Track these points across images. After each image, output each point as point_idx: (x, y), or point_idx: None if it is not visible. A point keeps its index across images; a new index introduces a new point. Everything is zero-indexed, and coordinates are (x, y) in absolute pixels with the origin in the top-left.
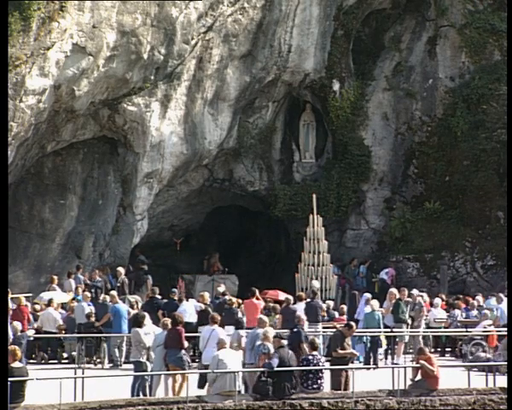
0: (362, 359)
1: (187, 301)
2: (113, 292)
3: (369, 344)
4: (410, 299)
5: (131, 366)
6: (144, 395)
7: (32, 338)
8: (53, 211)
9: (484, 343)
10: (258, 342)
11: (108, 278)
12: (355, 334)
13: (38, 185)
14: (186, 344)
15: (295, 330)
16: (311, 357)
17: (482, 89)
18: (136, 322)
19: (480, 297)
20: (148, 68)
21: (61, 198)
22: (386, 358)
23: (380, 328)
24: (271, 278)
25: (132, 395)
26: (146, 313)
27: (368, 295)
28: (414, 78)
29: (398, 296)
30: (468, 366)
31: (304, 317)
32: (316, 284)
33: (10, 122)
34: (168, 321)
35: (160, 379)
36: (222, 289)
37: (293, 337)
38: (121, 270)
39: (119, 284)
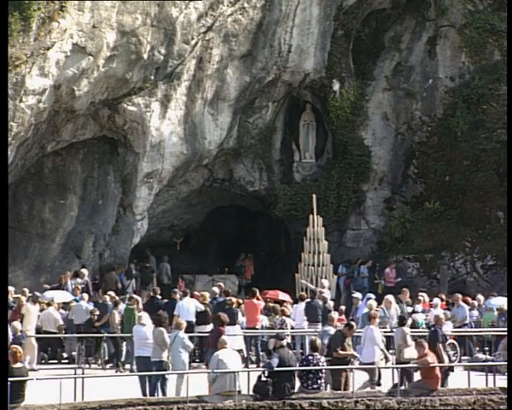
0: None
1: (191, 297)
2: (112, 292)
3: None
4: (409, 300)
5: (132, 366)
6: (164, 394)
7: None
8: (53, 211)
9: (455, 343)
10: None
11: (120, 277)
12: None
13: (38, 185)
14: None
15: (432, 329)
16: (310, 357)
17: (482, 89)
18: (159, 322)
19: (480, 297)
20: (148, 68)
21: (61, 198)
22: None
23: None
24: (271, 278)
25: (151, 395)
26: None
27: (371, 295)
28: (414, 78)
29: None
30: (468, 366)
31: (442, 316)
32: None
33: (10, 122)
34: (182, 321)
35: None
36: (217, 289)
37: (430, 337)
38: (84, 271)
39: (83, 286)
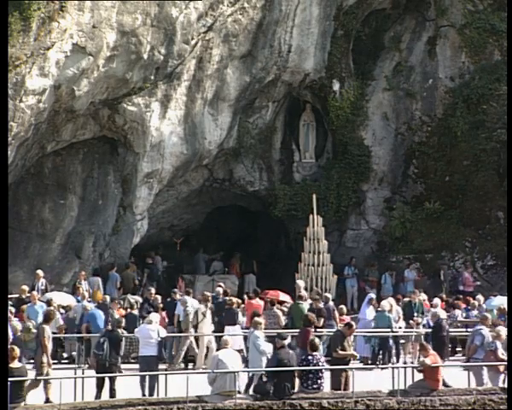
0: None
1: (193, 298)
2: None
3: (377, 346)
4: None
5: (131, 365)
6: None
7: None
8: (53, 211)
9: None
10: (490, 340)
11: (135, 275)
12: (364, 334)
13: (38, 185)
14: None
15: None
16: (310, 357)
17: (482, 89)
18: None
19: (480, 297)
20: (148, 68)
21: (61, 198)
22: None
23: (390, 329)
24: (271, 278)
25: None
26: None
27: (372, 295)
28: (414, 78)
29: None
30: (468, 366)
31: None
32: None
33: (10, 122)
34: (259, 320)
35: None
36: (221, 289)
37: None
38: (40, 273)
39: (43, 287)
